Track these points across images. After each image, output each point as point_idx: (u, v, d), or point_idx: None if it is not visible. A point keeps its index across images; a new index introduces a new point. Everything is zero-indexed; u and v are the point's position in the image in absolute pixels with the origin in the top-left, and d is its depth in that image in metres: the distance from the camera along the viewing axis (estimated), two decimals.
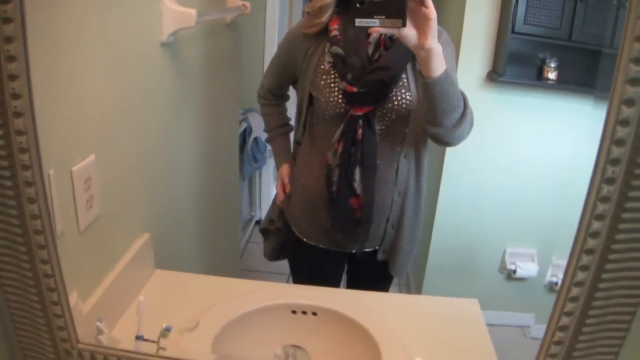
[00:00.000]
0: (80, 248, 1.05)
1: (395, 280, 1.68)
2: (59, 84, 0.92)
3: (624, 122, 0.64)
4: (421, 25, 1.14)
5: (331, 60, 1.41)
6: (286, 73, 1.58)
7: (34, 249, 0.87)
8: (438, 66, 1.21)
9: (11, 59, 0.76)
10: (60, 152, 0.95)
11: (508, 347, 1.26)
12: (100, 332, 1.02)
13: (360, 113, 1.38)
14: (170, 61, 1.45)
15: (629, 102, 0.64)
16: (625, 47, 0.62)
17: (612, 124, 0.64)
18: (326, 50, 1.41)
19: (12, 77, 0.77)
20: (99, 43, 1.05)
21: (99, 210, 1.10)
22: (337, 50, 1.38)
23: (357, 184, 1.43)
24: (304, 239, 1.61)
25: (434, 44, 1.17)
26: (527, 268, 2.33)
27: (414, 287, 2.66)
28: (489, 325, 1.26)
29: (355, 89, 1.35)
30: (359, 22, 1.09)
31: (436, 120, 1.30)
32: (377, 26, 1.10)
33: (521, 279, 2.38)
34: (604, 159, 0.66)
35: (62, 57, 0.92)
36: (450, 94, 1.25)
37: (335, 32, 1.39)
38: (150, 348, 1.03)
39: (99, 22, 1.03)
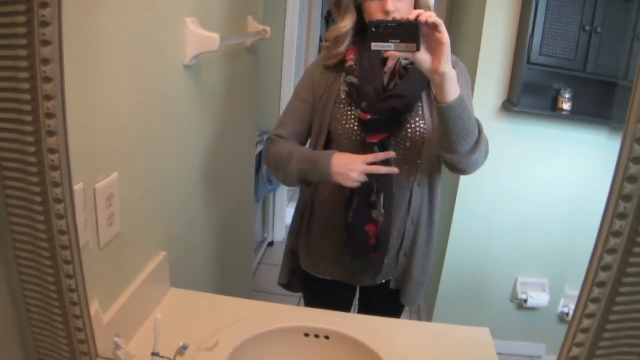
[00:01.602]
0: (100, 263, 1.07)
1: (405, 308, 1.68)
2: (86, 103, 0.95)
3: (637, 160, 0.66)
4: (435, 50, 1.16)
5: (346, 89, 1.42)
6: (308, 111, 1.51)
7: (60, 264, 0.90)
8: (452, 91, 1.21)
9: (48, 80, 0.79)
10: (85, 170, 0.97)
11: None
12: (118, 347, 1.03)
13: (375, 141, 1.39)
14: (192, 83, 1.47)
15: None
16: (639, 87, 0.64)
17: (625, 161, 0.66)
18: (342, 80, 1.43)
19: (48, 98, 0.80)
20: (124, 63, 1.07)
21: (120, 227, 1.12)
22: (352, 79, 1.39)
23: (376, 213, 1.43)
24: (317, 275, 1.62)
25: (448, 69, 1.18)
26: (538, 298, 2.33)
27: (425, 314, 2.66)
28: (500, 354, 1.26)
29: (369, 117, 1.37)
30: (375, 46, 1.12)
31: (451, 147, 1.30)
32: (392, 50, 1.13)
33: (533, 309, 2.37)
34: (617, 194, 0.68)
35: (88, 77, 0.95)
36: (465, 119, 1.25)
37: (351, 63, 1.41)
38: None
39: (125, 42, 1.06)
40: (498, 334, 1.35)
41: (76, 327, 0.96)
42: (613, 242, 0.71)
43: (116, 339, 1.04)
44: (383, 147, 1.40)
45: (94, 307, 1.00)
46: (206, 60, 1.50)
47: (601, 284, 0.74)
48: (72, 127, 0.86)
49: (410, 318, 2.35)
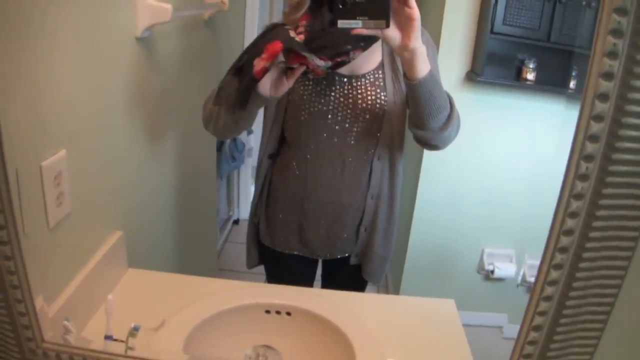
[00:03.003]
0: (50, 245, 1.03)
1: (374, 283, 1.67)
2: (29, 79, 0.91)
3: (598, 118, 0.63)
4: (405, 26, 1.12)
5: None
6: None
7: None
8: (422, 67, 1.18)
9: None
10: (29, 147, 0.93)
11: (485, 347, 1.25)
12: (67, 331, 1.00)
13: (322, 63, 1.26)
14: (146, 56, 1.43)
15: (603, 97, 0.63)
16: (599, 40, 0.61)
17: (586, 119, 0.63)
18: None
19: None
20: (71, 35, 1.03)
21: (70, 207, 1.08)
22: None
23: None
24: (276, 248, 1.59)
25: (418, 45, 1.14)
26: (505, 268, 2.34)
27: (392, 288, 2.65)
28: (467, 325, 1.25)
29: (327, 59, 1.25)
30: (342, 23, 1.06)
31: (422, 123, 1.28)
32: (360, 27, 1.07)
33: (500, 280, 2.38)
34: (578, 155, 0.65)
35: (32, 51, 0.91)
36: (436, 95, 1.23)
37: (301, 29, 1.34)
38: (119, 348, 1.01)
39: (71, 12, 1.01)
40: (466, 305, 1.34)
41: (19, 312, 0.91)
42: (575, 205, 0.68)
43: (65, 322, 1.00)
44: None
45: (39, 302, 0.96)
46: (160, 32, 1.46)
47: (563, 250, 0.71)
48: (14, 103, 0.83)
49: (378, 292, 2.33)
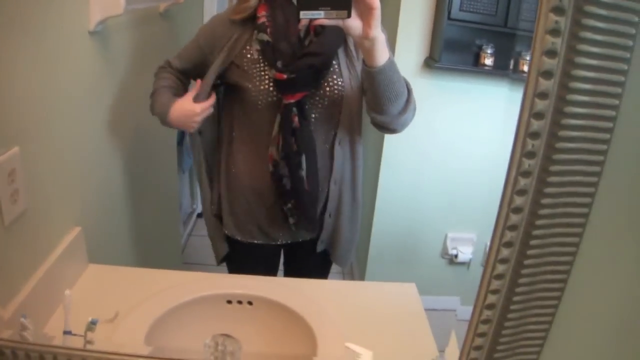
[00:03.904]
0: (6, 243, 1.01)
1: (338, 269, 1.67)
2: None
3: (543, 95, 0.64)
4: (365, 15, 1.13)
5: (259, 48, 1.37)
6: (201, 58, 1.47)
7: None
8: (382, 54, 1.20)
9: None
10: None
11: (447, 330, 1.27)
12: (24, 328, 0.98)
13: (292, 101, 1.35)
14: (100, 51, 1.40)
15: (547, 75, 0.63)
16: (542, 18, 0.62)
17: (531, 96, 0.64)
18: (254, 37, 1.38)
19: None
20: (19, 31, 1.00)
21: (25, 204, 1.06)
22: (264, 37, 1.34)
23: (303, 172, 1.41)
24: (238, 238, 1.58)
25: (378, 33, 1.16)
26: (468, 252, 2.36)
27: (358, 275, 2.66)
28: (433, 310, 1.26)
29: (285, 76, 1.32)
30: (304, 14, 1.07)
31: (382, 109, 1.29)
32: (321, 18, 1.08)
33: (463, 264, 2.40)
34: (524, 132, 0.65)
35: None
36: (395, 81, 1.25)
37: (263, 19, 1.35)
38: (78, 343, 1.00)
39: (18, 7, 0.99)
40: (431, 290, 1.35)
41: None
42: (522, 182, 0.68)
43: (22, 319, 0.98)
44: (300, 107, 1.36)
45: None
46: (114, 26, 1.43)
47: (513, 227, 0.72)
48: None
49: (344, 279, 2.34)
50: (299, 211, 1.45)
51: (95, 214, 1.43)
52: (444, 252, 2.41)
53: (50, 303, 1.15)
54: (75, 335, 1.01)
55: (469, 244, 2.38)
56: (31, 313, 1.02)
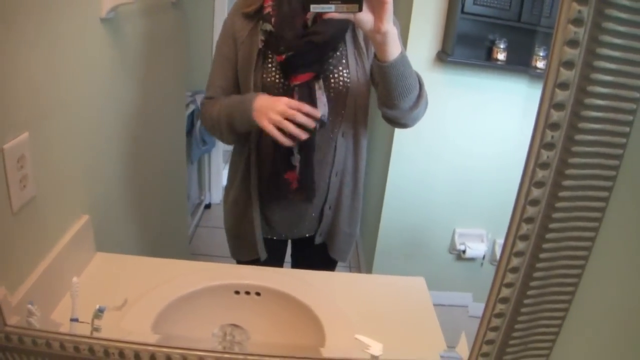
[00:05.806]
0: (14, 230, 1.01)
1: (345, 264, 1.66)
2: None
3: (563, 85, 0.63)
4: (377, 9, 1.12)
5: (263, 38, 1.35)
6: (232, 67, 1.42)
7: None
8: (394, 49, 1.19)
9: None
10: None
11: (457, 326, 1.26)
12: (31, 314, 0.98)
13: (298, 82, 1.33)
14: (111, 38, 1.39)
15: (568, 65, 0.62)
16: (564, 7, 0.61)
17: (551, 87, 0.63)
18: (259, 28, 1.36)
19: None
20: (33, 16, 1.00)
21: (34, 190, 1.05)
22: (268, 27, 1.33)
23: (293, 159, 1.39)
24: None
25: (390, 27, 1.15)
26: (476, 248, 2.35)
27: (365, 269, 2.66)
28: (441, 305, 1.26)
29: (284, 56, 1.31)
30: (314, 8, 1.06)
31: (393, 103, 1.28)
32: (332, 12, 1.07)
33: (471, 259, 2.39)
34: (543, 123, 0.64)
35: None
36: (407, 75, 1.24)
37: (268, 9, 1.34)
38: (85, 330, 0.99)
39: None
40: (438, 285, 1.34)
41: None
42: (540, 174, 0.67)
43: (29, 306, 0.98)
44: (309, 88, 1.34)
45: (1, 292, 0.95)
46: (126, 14, 1.43)
47: (529, 220, 0.71)
48: None
49: (350, 272, 2.33)
50: (307, 168, 1.42)
51: (103, 203, 1.43)
52: (452, 248, 2.40)
53: (57, 290, 1.15)
54: (82, 322, 1.01)
55: (477, 240, 2.36)
56: (38, 300, 1.02)
